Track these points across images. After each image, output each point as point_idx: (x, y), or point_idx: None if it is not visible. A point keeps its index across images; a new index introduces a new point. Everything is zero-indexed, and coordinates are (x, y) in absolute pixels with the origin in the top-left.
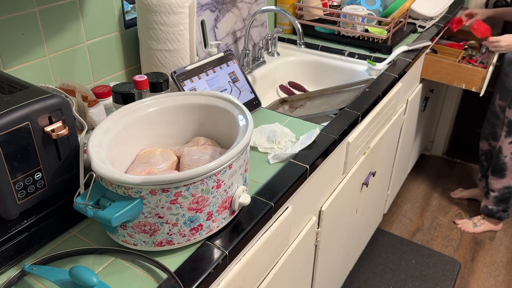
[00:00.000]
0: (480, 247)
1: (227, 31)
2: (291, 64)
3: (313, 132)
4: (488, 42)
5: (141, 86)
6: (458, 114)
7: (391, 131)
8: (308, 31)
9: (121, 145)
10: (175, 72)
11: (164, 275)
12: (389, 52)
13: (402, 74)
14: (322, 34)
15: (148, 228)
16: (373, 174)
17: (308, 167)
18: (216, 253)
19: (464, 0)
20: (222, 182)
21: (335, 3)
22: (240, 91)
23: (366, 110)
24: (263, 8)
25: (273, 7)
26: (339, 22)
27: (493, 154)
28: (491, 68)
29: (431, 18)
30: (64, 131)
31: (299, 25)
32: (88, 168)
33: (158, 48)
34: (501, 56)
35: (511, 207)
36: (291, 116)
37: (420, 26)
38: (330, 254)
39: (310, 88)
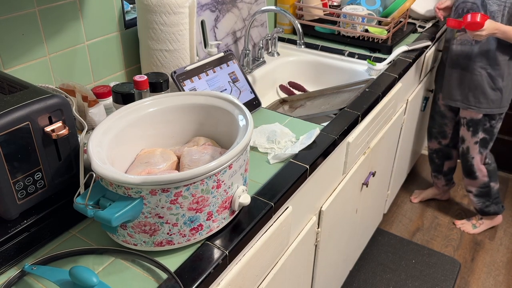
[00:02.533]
0: (480, 247)
1: (227, 31)
2: (291, 64)
3: (313, 132)
4: (470, 33)
5: (141, 86)
6: None
7: (391, 131)
8: (308, 31)
9: (121, 145)
10: (175, 72)
11: (164, 275)
12: (389, 52)
13: (402, 74)
14: (322, 34)
15: (148, 228)
16: (373, 174)
17: (308, 167)
18: (216, 253)
19: None
20: (222, 182)
21: (335, 3)
22: (240, 91)
23: (366, 110)
24: (263, 8)
25: (273, 7)
26: (339, 22)
27: (461, 155)
28: None
29: (431, 18)
30: (64, 131)
31: (299, 25)
32: (88, 168)
33: (158, 48)
34: (446, 53)
35: (504, 198)
36: (291, 116)
37: (420, 26)
38: (330, 254)
39: (310, 88)
